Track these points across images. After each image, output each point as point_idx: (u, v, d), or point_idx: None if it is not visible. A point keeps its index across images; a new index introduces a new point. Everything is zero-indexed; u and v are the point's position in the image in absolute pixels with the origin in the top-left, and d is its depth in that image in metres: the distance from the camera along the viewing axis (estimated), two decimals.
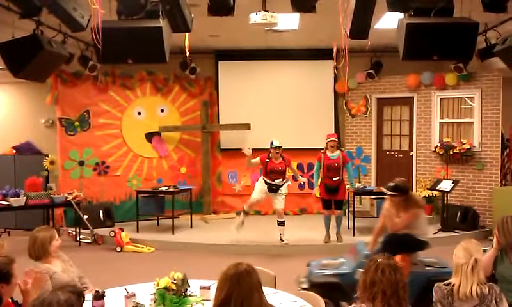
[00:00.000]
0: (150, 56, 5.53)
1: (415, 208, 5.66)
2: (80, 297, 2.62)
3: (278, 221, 9.07)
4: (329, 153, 8.99)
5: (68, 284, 3.76)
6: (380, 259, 2.98)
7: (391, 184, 5.75)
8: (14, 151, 11.92)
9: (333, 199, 9.08)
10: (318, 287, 5.24)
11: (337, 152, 9.02)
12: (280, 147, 8.86)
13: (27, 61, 5.94)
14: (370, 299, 2.91)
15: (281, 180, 8.92)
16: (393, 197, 5.68)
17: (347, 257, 6.02)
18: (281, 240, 9.04)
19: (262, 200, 9.19)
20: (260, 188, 9.06)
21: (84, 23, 5.66)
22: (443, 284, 3.49)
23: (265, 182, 8.97)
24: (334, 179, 8.98)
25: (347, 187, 9.41)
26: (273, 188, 8.95)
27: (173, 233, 9.91)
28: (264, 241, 9.17)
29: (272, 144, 8.91)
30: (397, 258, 5.59)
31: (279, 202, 8.95)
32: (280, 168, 8.91)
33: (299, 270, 6.10)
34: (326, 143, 9.07)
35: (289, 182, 9.19)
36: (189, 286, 3.63)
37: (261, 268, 3.71)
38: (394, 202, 5.69)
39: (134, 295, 3.68)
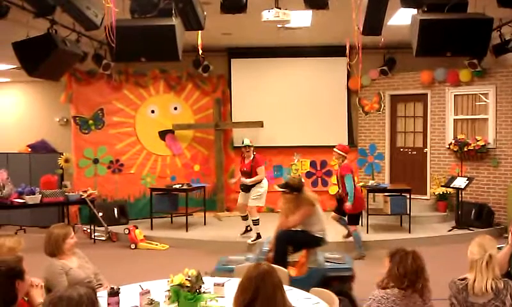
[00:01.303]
0: (163, 54, 5.54)
1: (306, 205, 5.89)
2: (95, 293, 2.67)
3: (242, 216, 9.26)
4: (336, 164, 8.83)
5: (82, 282, 3.82)
6: (413, 250, 3.40)
7: (283, 181, 6.28)
8: (29, 150, 12.06)
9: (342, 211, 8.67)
10: None
11: (340, 163, 8.60)
12: (248, 146, 8.94)
13: (42, 60, 5.98)
14: (411, 286, 3.30)
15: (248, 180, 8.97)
16: (285, 194, 5.99)
17: (252, 253, 6.19)
18: (242, 234, 9.25)
19: (246, 201, 9.18)
20: (241, 191, 9.25)
21: (98, 22, 5.69)
22: (458, 279, 3.49)
23: None
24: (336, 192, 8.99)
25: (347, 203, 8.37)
26: (242, 188, 9.08)
27: (186, 231, 9.95)
28: None
29: (242, 142, 9.03)
30: (302, 253, 5.79)
31: (250, 200, 8.99)
32: (245, 169, 8.99)
33: None
34: None
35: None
36: (203, 283, 3.65)
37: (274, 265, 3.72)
38: (287, 199, 5.99)
39: (149, 291, 3.71)
